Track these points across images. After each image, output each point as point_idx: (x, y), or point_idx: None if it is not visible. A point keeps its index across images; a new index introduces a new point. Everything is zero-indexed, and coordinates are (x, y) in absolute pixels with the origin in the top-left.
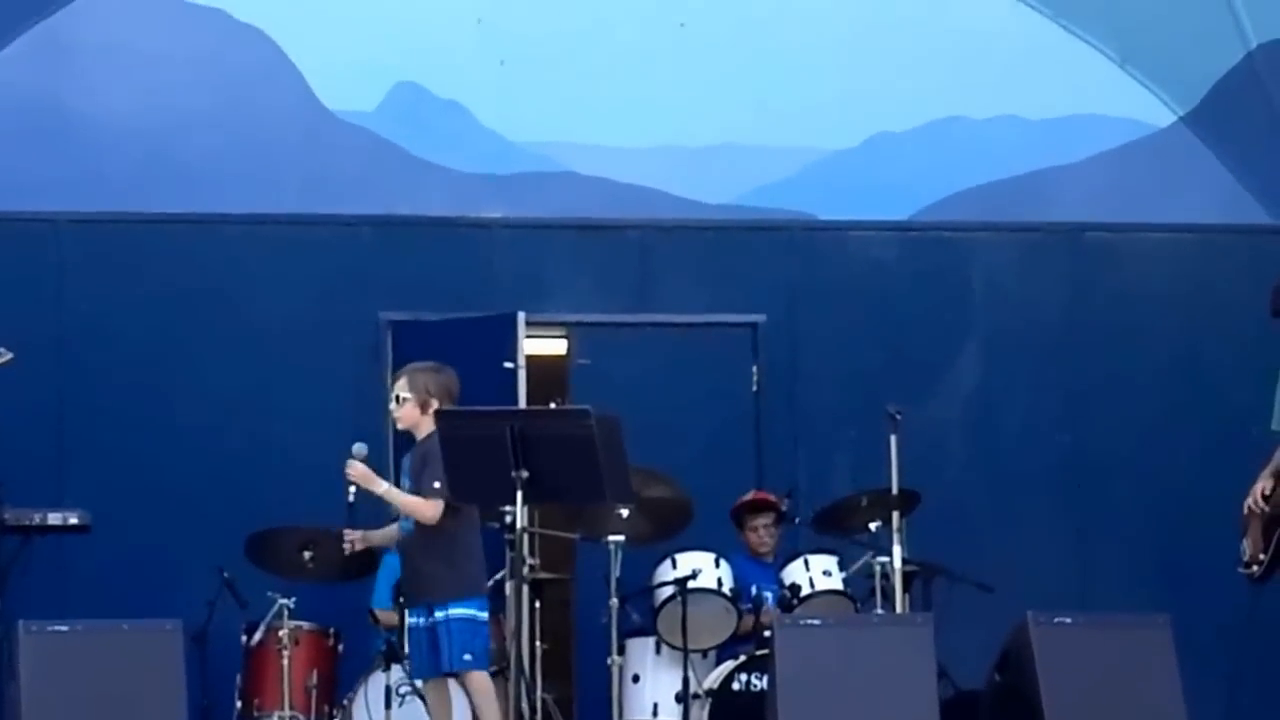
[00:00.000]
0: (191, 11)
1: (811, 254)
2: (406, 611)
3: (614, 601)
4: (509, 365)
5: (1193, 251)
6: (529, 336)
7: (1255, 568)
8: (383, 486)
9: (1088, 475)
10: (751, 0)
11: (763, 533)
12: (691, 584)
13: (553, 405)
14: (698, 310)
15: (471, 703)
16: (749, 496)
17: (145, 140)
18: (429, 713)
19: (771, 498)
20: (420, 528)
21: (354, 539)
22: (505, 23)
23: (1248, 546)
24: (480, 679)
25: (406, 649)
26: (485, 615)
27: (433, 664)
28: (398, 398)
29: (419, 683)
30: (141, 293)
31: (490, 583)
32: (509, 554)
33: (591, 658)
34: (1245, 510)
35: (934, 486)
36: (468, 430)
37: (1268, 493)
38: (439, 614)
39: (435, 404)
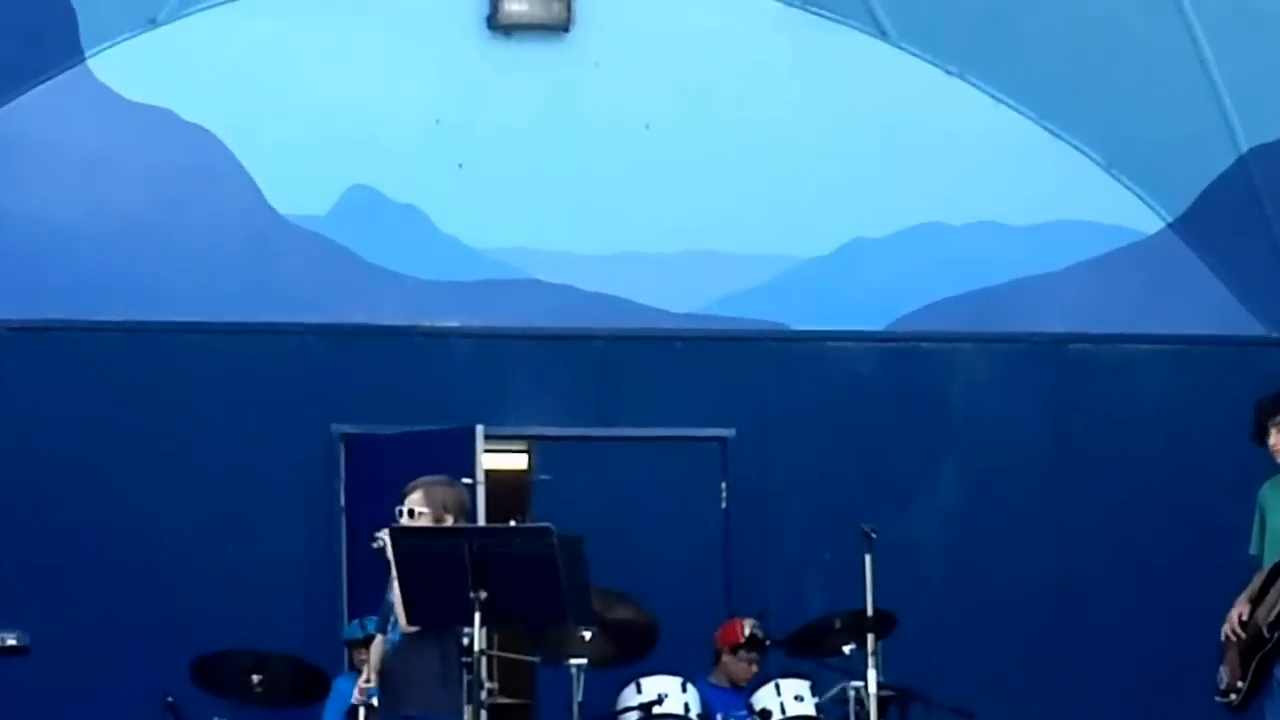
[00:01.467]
0: (136, 111)
1: (784, 365)
2: None
3: None
4: (467, 481)
5: (1181, 364)
6: (488, 450)
7: (1234, 695)
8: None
9: (1069, 597)
10: (720, 102)
11: (753, 665)
12: (657, 709)
13: (513, 523)
14: (665, 424)
15: None
16: (747, 631)
17: (87, 244)
18: None
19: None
20: (412, 640)
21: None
22: (464, 124)
23: (1225, 674)
24: None
25: None
26: None
27: None
28: (411, 511)
29: None
30: (82, 404)
31: None
32: (466, 678)
33: None
34: (1223, 637)
35: (911, 608)
36: (424, 549)
37: (1245, 618)
38: None
39: (450, 519)
